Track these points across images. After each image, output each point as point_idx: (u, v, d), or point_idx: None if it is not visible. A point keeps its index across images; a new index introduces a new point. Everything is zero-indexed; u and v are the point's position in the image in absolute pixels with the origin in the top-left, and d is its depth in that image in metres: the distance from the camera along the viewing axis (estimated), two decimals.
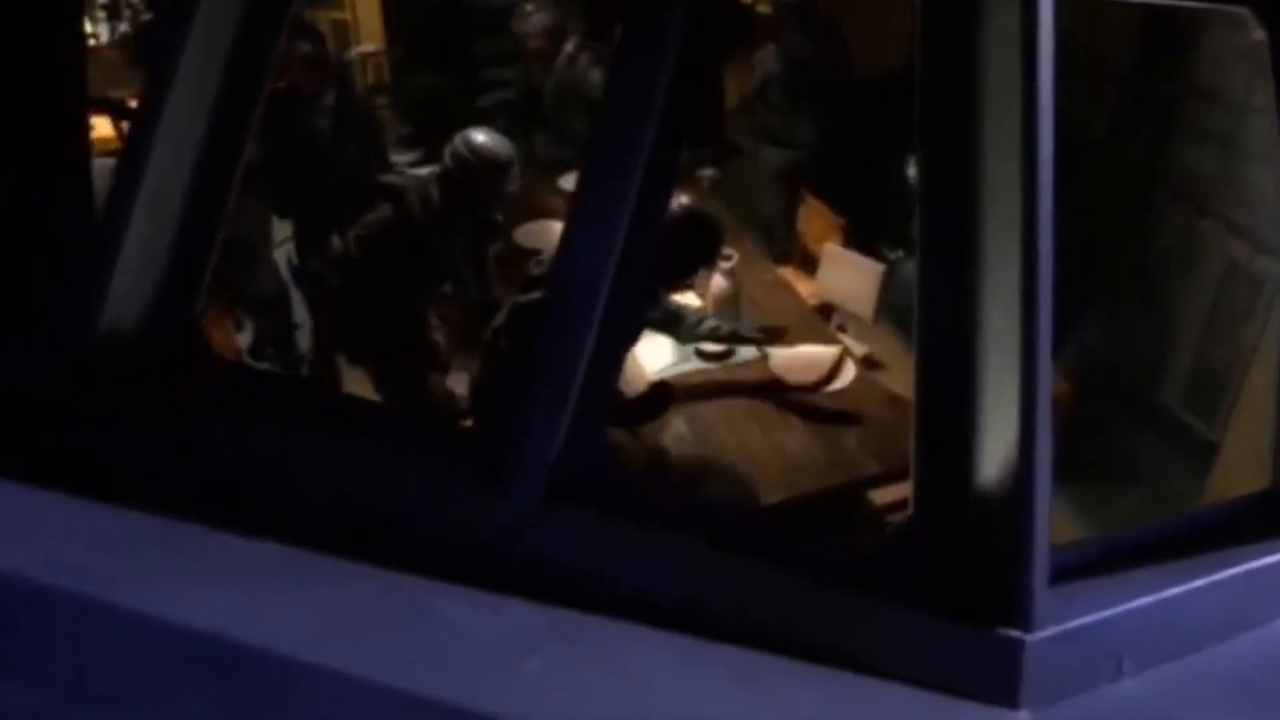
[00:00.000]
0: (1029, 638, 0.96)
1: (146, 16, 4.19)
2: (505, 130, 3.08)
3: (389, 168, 3.75)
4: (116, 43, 4.37)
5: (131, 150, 1.24)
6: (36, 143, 1.31)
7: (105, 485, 1.13)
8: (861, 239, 3.62)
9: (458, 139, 2.83)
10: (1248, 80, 2.90)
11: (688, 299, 2.96)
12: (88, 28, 4.29)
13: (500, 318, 2.43)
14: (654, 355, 2.82)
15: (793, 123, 4.04)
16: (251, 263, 3.38)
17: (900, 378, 2.73)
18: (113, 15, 4.44)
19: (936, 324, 1.02)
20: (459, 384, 2.97)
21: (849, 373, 2.76)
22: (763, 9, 4.46)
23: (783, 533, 1.16)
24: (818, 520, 2.36)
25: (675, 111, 1.08)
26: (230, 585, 1.02)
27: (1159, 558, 1.09)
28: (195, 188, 1.23)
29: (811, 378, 2.70)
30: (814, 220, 3.85)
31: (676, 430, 2.59)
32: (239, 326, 3.42)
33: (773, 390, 2.72)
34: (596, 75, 3.83)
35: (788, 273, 3.68)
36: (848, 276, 3.54)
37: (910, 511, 1.04)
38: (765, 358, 2.83)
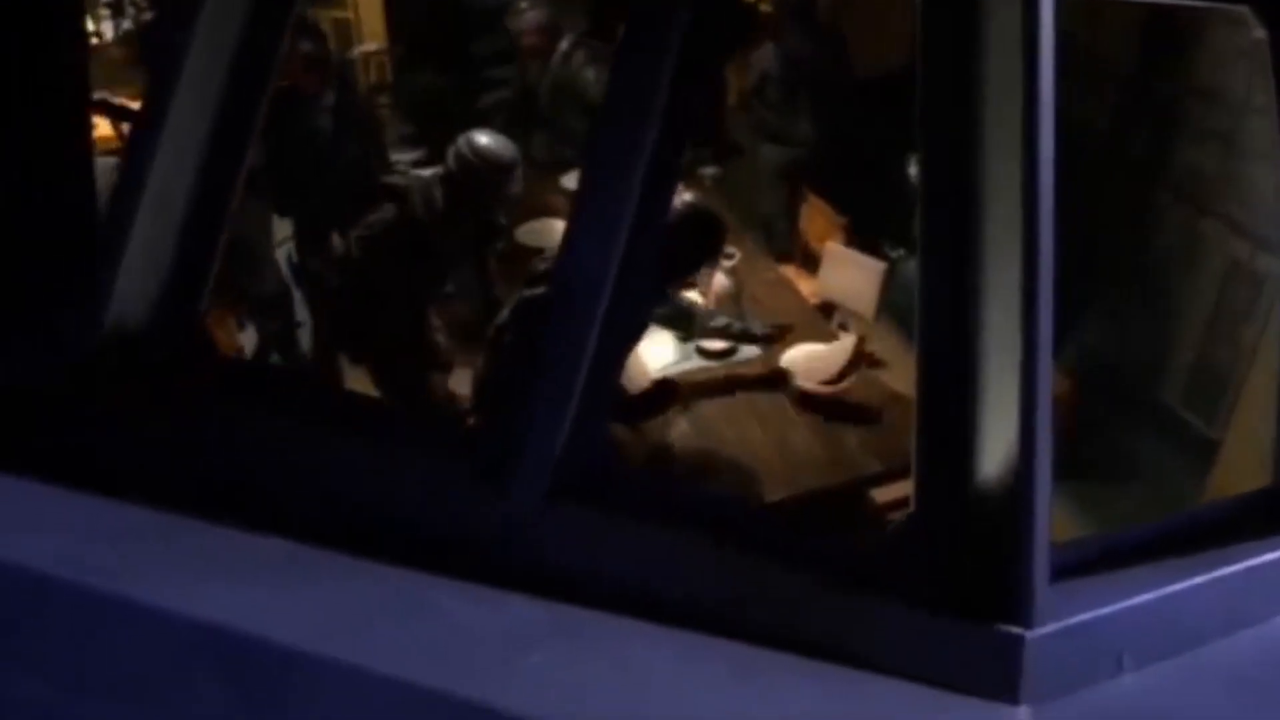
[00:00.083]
0: (1029, 634, 0.97)
1: (150, 14, 4.19)
2: (503, 129, 3.08)
3: (389, 167, 3.76)
4: (120, 40, 4.37)
5: (135, 150, 1.25)
6: (38, 142, 1.32)
7: (110, 482, 1.14)
8: (863, 238, 3.63)
9: (461, 141, 2.84)
10: (1248, 79, 2.90)
11: (690, 297, 2.97)
12: (91, 25, 4.31)
13: (504, 314, 2.44)
14: (656, 353, 2.82)
15: (791, 120, 4.04)
16: (253, 262, 3.39)
17: (901, 376, 2.73)
18: (117, 12, 4.44)
19: (937, 322, 1.02)
20: (460, 384, 2.97)
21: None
22: (763, 7, 4.46)
23: (784, 530, 1.16)
24: (819, 518, 2.36)
25: (678, 109, 1.08)
26: (234, 579, 1.03)
27: (1159, 555, 1.10)
28: (199, 187, 1.24)
29: (825, 374, 2.71)
30: (816, 219, 3.86)
31: (679, 428, 2.60)
32: (241, 326, 3.43)
33: (778, 384, 2.73)
34: (591, 73, 3.84)
35: (789, 271, 3.68)
36: (849, 275, 3.54)
37: (911, 509, 1.05)
38: (770, 355, 2.84)
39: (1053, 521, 0.98)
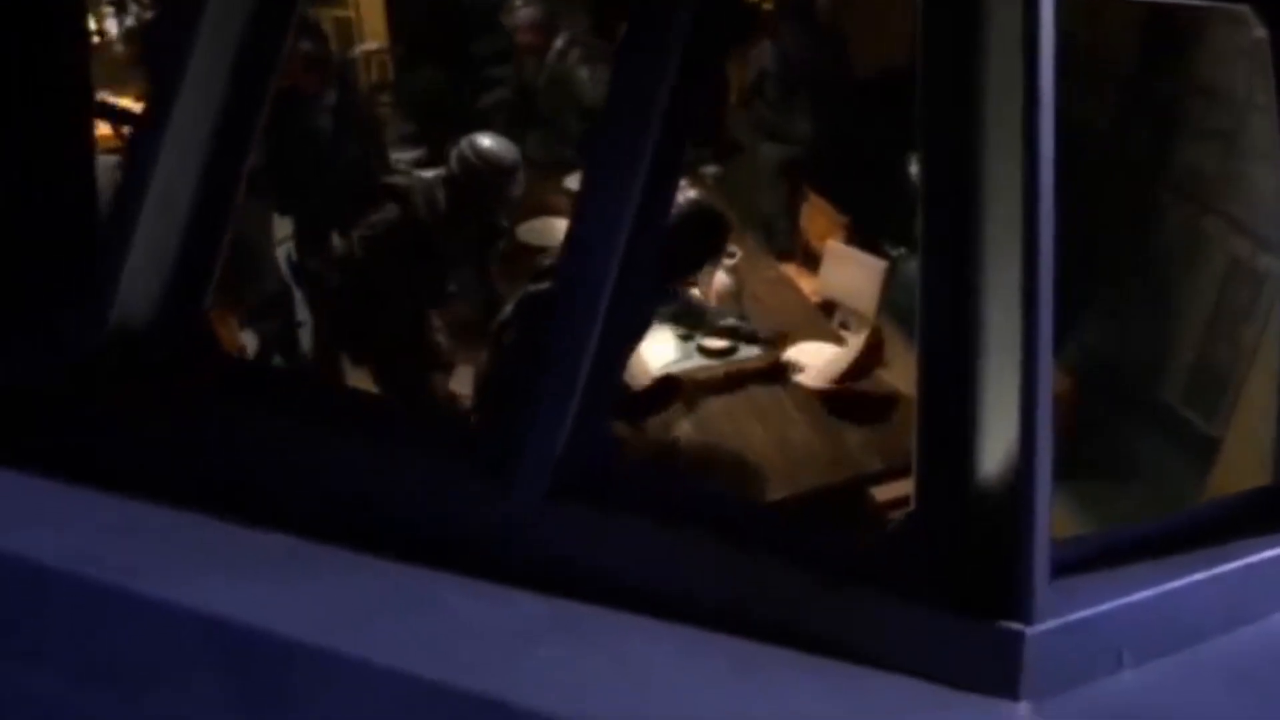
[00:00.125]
0: (1029, 630, 0.97)
1: (153, 11, 4.19)
2: (502, 128, 3.09)
3: (390, 167, 3.76)
4: (124, 37, 4.37)
5: (138, 149, 1.25)
6: (39, 140, 1.32)
7: (113, 481, 1.14)
8: (864, 236, 3.63)
9: (464, 143, 2.86)
10: (1250, 78, 2.90)
11: (692, 294, 2.98)
12: (95, 24, 4.30)
13: (507, 311, 2.45)
14: (657, 352, 2.83)
15: (790, 118, 4.05)
16: (253, 262, 3.39)
17: (903, 374, 2.74)
18: (120, 10, 4.44)
19: (938, 321, 1.03)
20: (460, 385, 2.98)
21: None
22: (764, 5, 4.46)
23: (785, 527, 1.17)
24: (820, 515, 2.37)
25: (680, 106, 1.08)
26: (239, 574, 1.04)
27: (1159, 552, 1.10)
28: (203, 185, 1.24)
29: (831, 373, 2.72)
30: (817, 218, 3.86)
31: (680, 427, 2.61)
32: (243, 325, 3.43)
33: (780, 378, 2.75)
34: (585, 72, 3.85)
35: (790, 270, 3.69)
36: (850, 273, 3.55)
37: (912, 506, 1.05)
38: (772, 351, 2.85)
39: (1053, 520, 0.99)
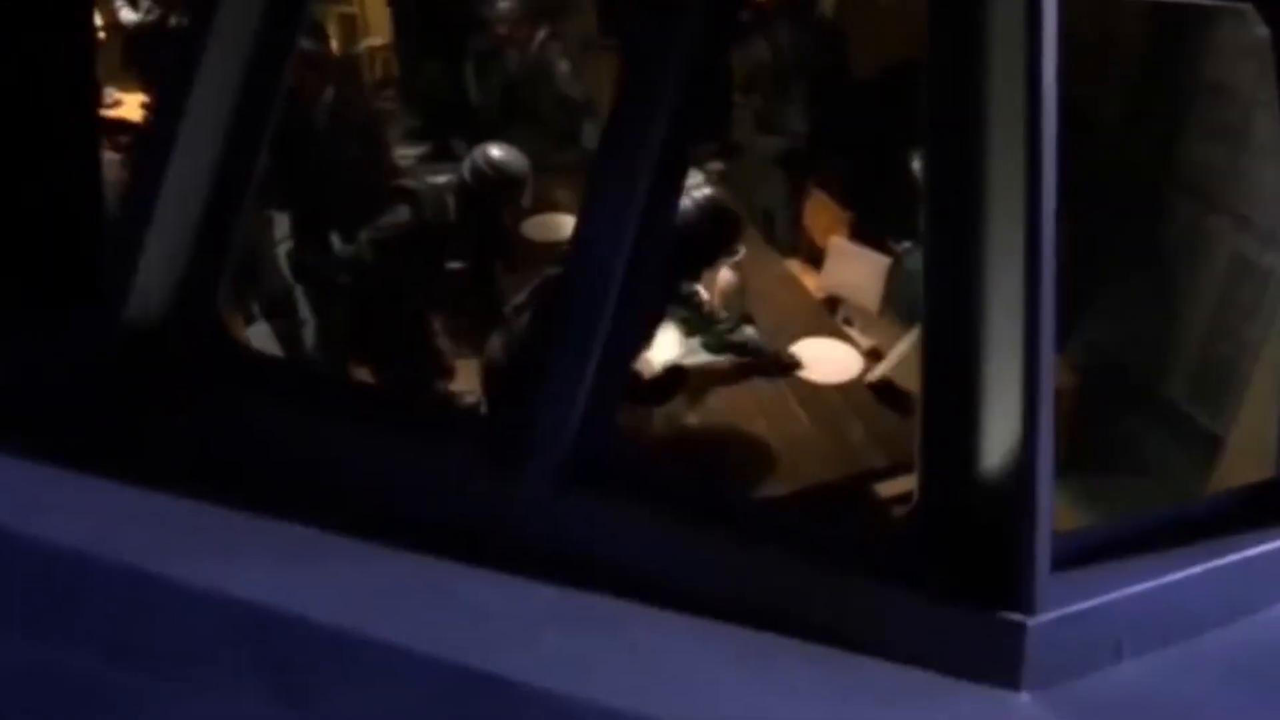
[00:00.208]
0: (1031, 621, 0.98)
1: (162, 6, 4.19)
2: (494, 126, 3.12)
3: (392, 164, 3.78)
4: (135, 31, 4.37)
5: (151, 147, 1.26)
6: (45, 138, 1.33)
7: (131, 475, 1.16)
8: (868, 232, 3.63)
9: (476, 153, 2.94)
10: (1255, 75, 2.89)
11: (699, 291, 2.98)
12: (104, 19, 4.31)
13: (522, 296, 2.46)
14: (661, 347, 2.84)
15: (784, 110, 4.05)
16: (254, 260, 3.41)
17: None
18: (132, 3, 4.45)
19: (942, 315, 1.04)
20: (460, 388, 3.00)
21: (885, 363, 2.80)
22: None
23: (791, 518, 1.18)
24: (825, 508, 2.38)
25: (688, 97, 1.09)
26: (261, 561, 1.06)
27: (1160, 545, 1.11)
28: (216, 184, 1.25)
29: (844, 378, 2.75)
30: (820, 214, 3.86)
31: (686, 418, 2.62)
32: (248, 323, 3.44)
33: (785, 371, 2.76)
34: (566, 66, 3.87)
35: (794, 266, 3.69)
36: (854, 269, 3.55)
37: (916, 498, 1.06)
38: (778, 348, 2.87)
39: (1057, 514, 1.00)
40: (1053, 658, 0.99)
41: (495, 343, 2.50)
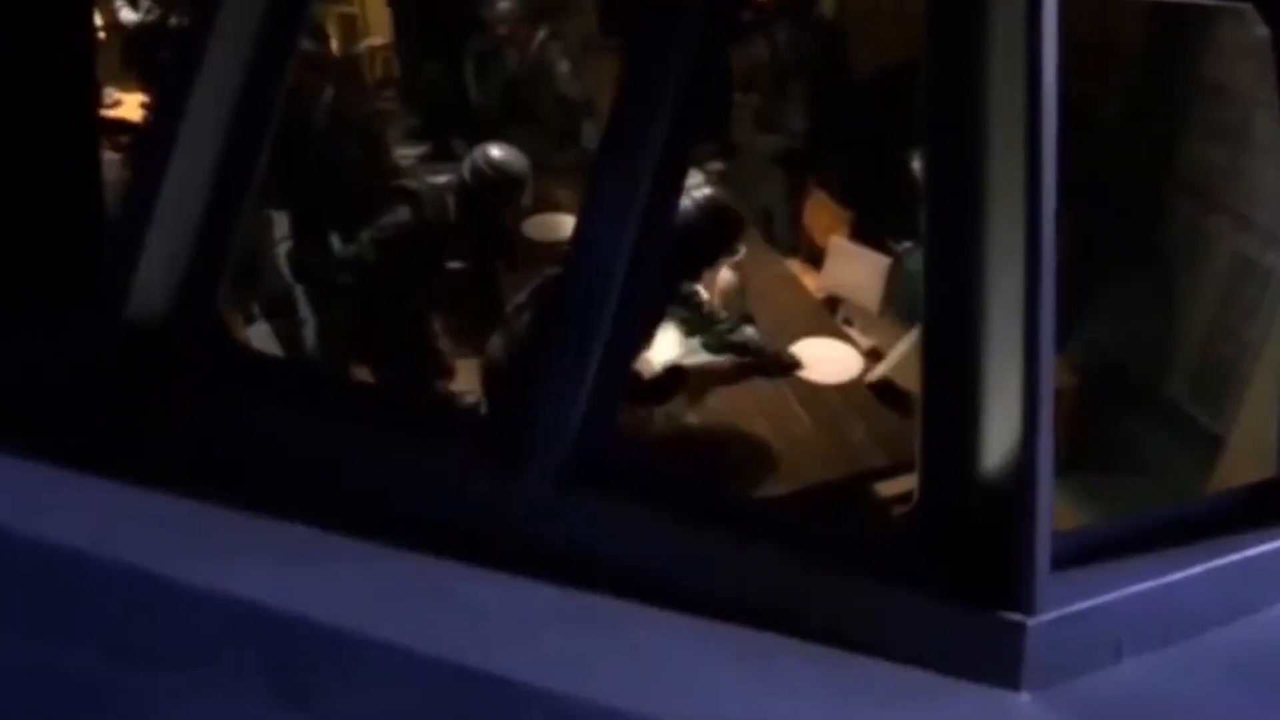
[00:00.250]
0: (1030, 621, 0.99)
1: (163, 5, 4.20)
2: (494, 126, 3.12)
3: (392, 163, 3.78)
4: (135, 31, 4.37)
5: (152, 147, 1.26)
6: (46, 137, 1.33)
7: (131, 475, 1.16)
8: (868, 232, 3.64)
9: (477, 153, 2.93)
10: (1256, 75, 2.90)
11: (700, 291, 2.99)
12: (104, 19, 4.31)
13: (523, 295, 2.46)
14: (661, 347, 2.84)
15: (783, 110, 4.06)
16: (257, 260, 3.41)
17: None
18: (132, 3, 4.45)
19: (941, 316, 1.04)
20: (459, 387, 3.00)
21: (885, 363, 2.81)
22: None
23: (791, 518, 1.18)
24: (825, 508, 2.38)
25: (689, 96, 1.09)
26: (262, 560, 1.06)
27: (1160, 545, 1.11)
28: (217, 183, 1.25)
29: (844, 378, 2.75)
30: (820, 214, 3.87)
31: (685, 417, 2.63)
32: (249, 322, 3.45)
33: (785, 370, 2.77)
34: (566, 66, 3.87)
35: (794, 266, 3.69)
36: (854, 269, 3.55)
37: (916, 497, 1.06)
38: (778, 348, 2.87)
39: (1057, 513, 1.00)
40: (1052, 657, 1.00)
41: (495, 343, 2.50)
